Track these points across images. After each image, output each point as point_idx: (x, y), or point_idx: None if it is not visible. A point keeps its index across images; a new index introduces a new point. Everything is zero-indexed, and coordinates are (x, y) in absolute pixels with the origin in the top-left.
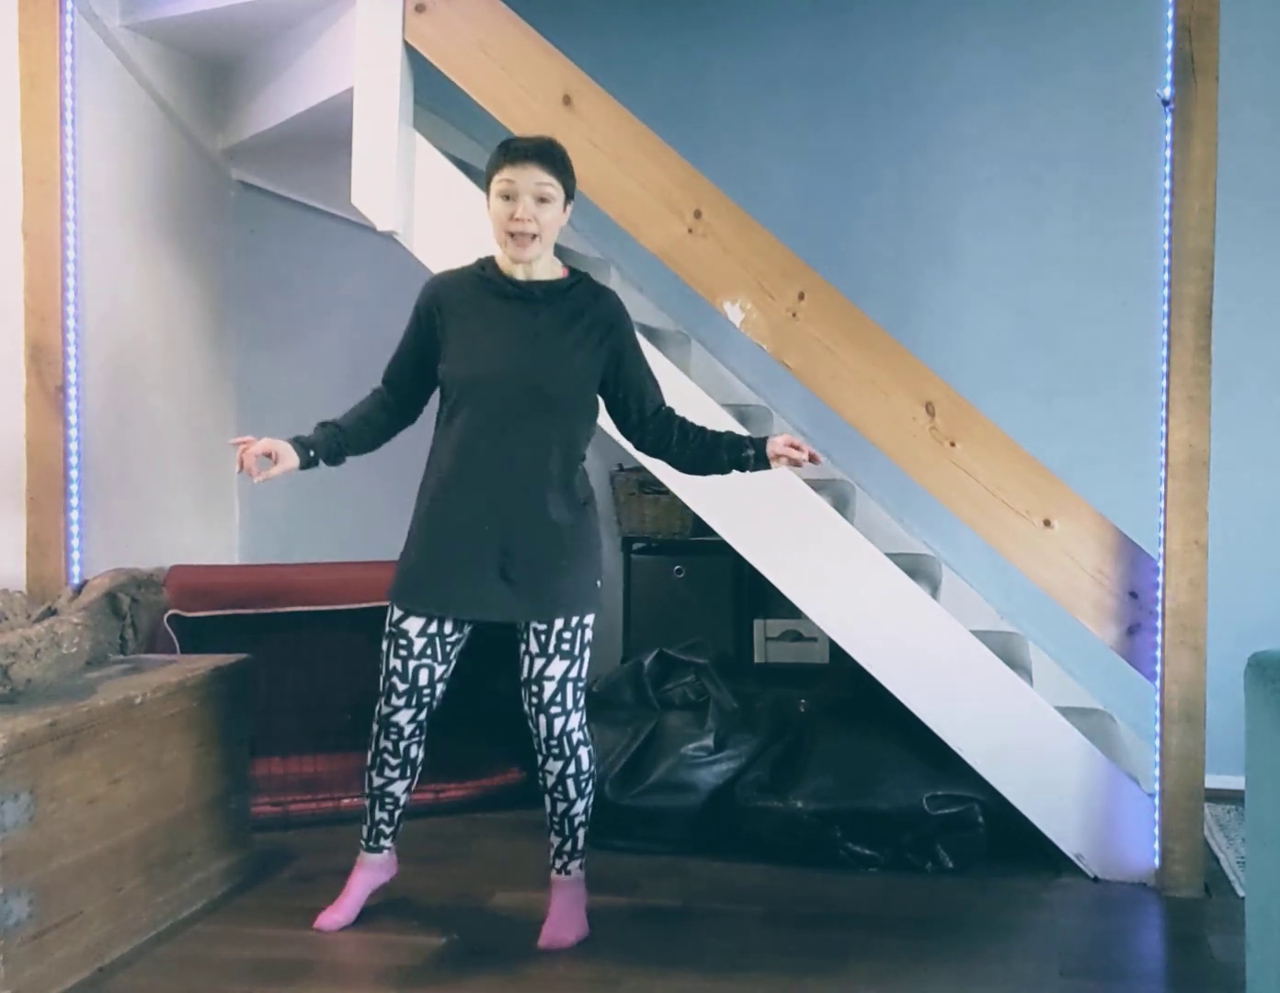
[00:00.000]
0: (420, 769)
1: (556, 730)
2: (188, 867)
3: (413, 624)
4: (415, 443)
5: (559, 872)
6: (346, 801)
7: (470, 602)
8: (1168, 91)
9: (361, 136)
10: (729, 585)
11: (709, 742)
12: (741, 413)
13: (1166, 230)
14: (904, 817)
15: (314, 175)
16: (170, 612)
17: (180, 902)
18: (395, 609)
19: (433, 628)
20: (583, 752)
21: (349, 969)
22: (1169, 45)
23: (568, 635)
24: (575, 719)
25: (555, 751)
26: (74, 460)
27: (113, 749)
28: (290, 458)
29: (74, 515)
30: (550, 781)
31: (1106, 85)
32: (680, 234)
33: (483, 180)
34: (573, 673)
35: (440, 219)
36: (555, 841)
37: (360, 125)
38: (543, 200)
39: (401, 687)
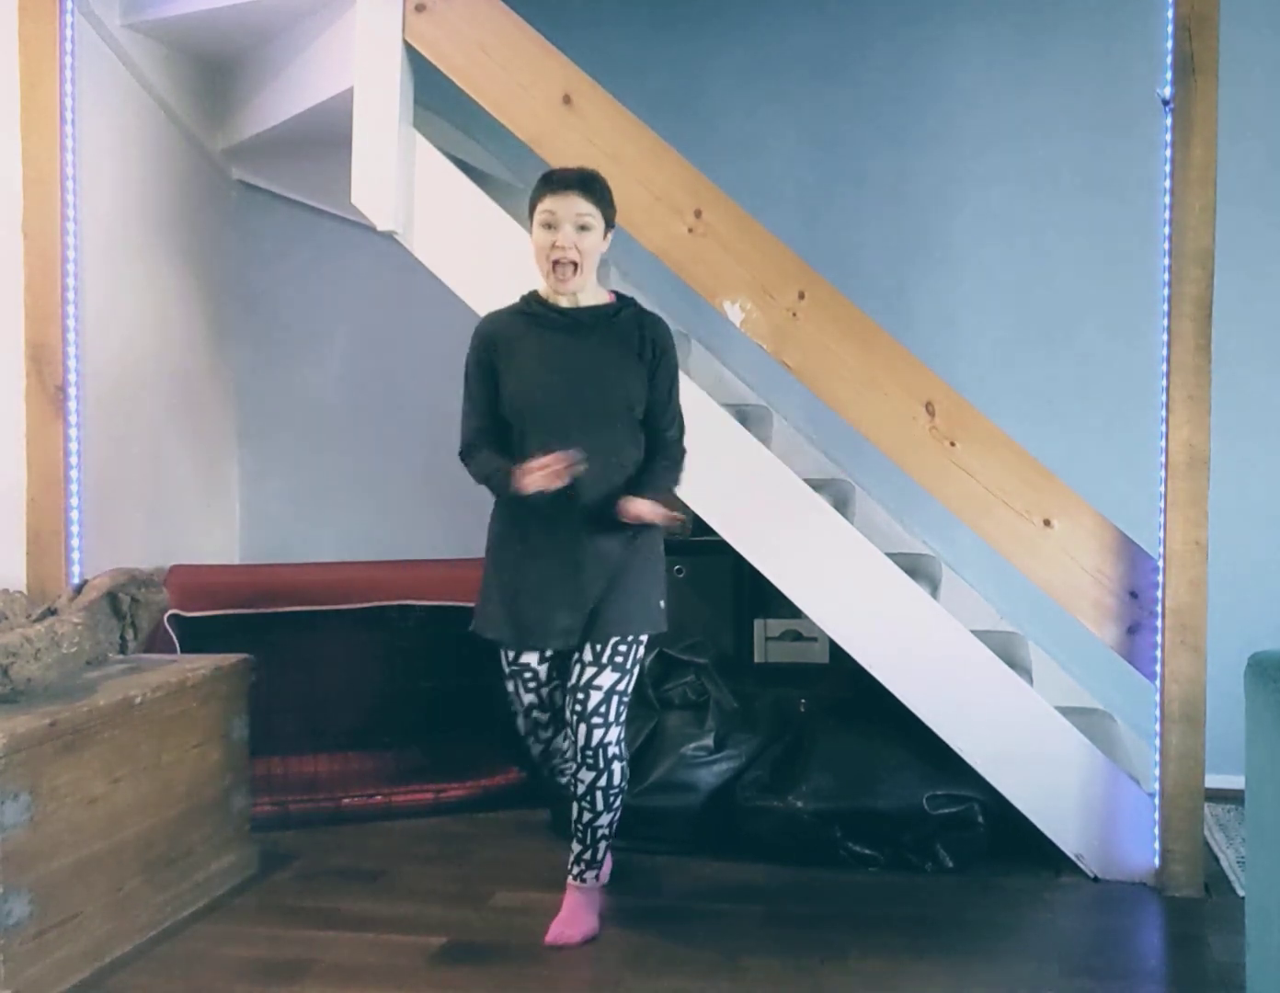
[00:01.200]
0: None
1: (594, 742)
2: (188, 866)
3: (531, 656)
4: (415, 444)
5: (576, 878)
6: (347, 800)
7: (553, 631)
8: (1168, 91)
9: (361, 136)
10: (729, 585)
11: (709, 742)
12: (741, 413)
13: (1166, 230)
14: (904, 816)
15: (314, 175)
16: (170, 611)
17: (180, 901)
18: (507, 650)
19: (550, 652)
20: (616, 767)
21: (349, 969)
22: (1169, 45)
23: (622, 649)
24: (614, 733)
25: (590, 761)
26: (74, 460)
27: (113, 749)
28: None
29: (74, 515)
30: (580, 789)
31: (1107, 85)
32: (680, 233)
33: (483, 180)
34: (620, 687)
35: (440, 219)
36: (576, 847)
37: (360, 125)
38: (583, 228)
39: (545, 717)
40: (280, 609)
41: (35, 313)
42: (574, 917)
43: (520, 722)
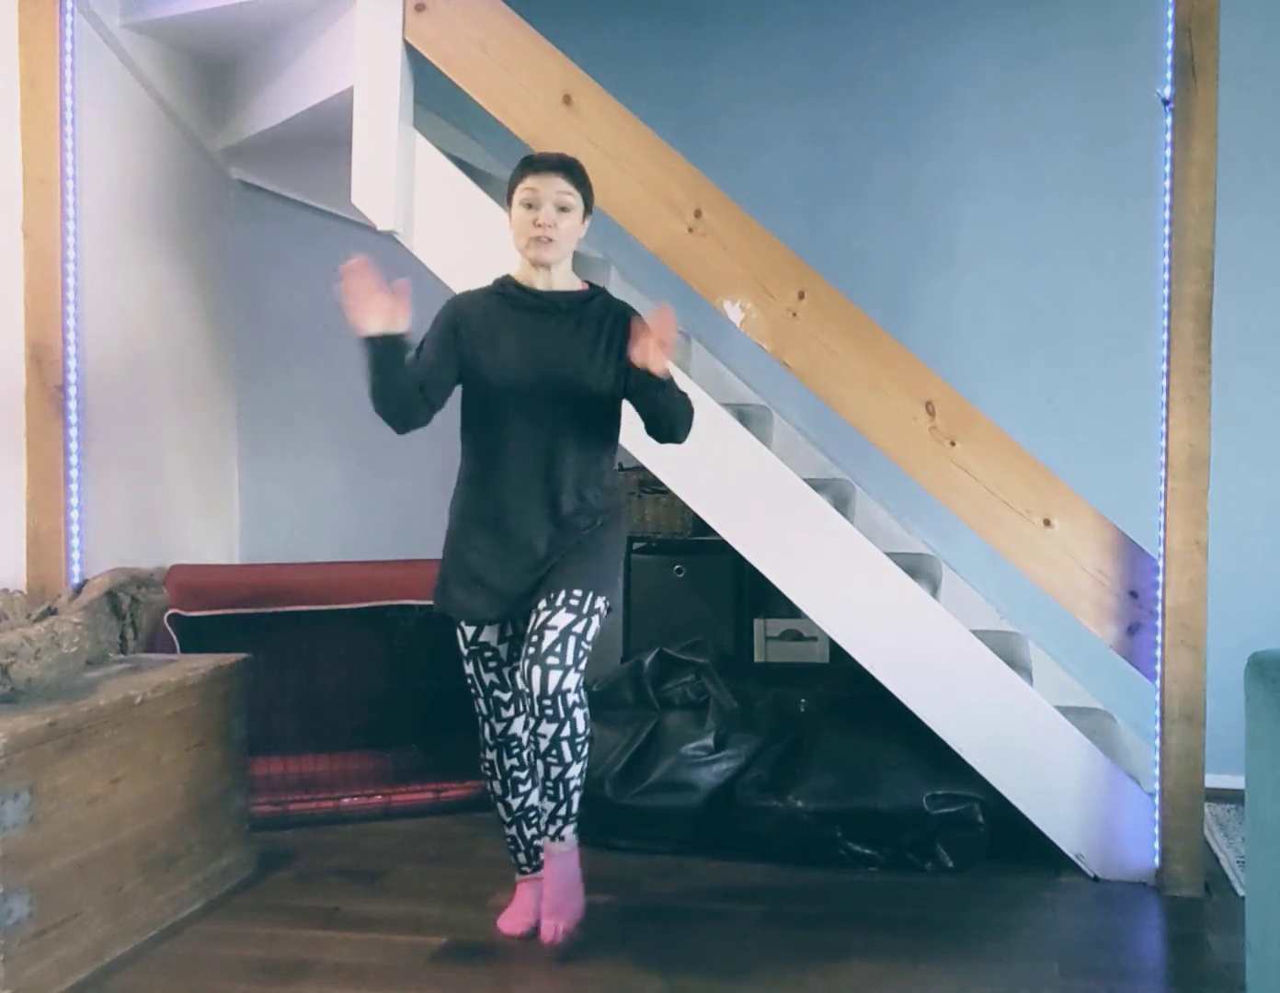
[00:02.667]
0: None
1: (551, 687)
2: (187, 866)
3: (489, 634)
4: (415, 444)
5: (553, 838)
6: (346, 800)
7: (505, 602)
8: (1168, 91)
9: (361, 136)
10: (729, 585)
11: (709, 741)
12: (741, 412)
13: (1166, 229)
14: (904, 816)
15: (314, 175)
16: (170, 611)
17: (180, 901)
18: (465, 628)
19: (509, 630)
20: (578, 714)
21: (349, 969)
22: (1169, 45)
23: (578, 592)
24: (572, 679)
25: (549, 712)
26: (74, 460)
27: (113, 749)
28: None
29: (74, 515)
30: (544, 745)
31: (1106, 84)
32: (680, 233)
33: (483, 180)
34: (577, 629)
35: (440, 219)
36: (548, 806)
37: (360, 125)
38: (563, 209)
39: (506, 696)
40: (280, 609)
41: (35, 313)
42: (562, 896)
43: (480, 704)
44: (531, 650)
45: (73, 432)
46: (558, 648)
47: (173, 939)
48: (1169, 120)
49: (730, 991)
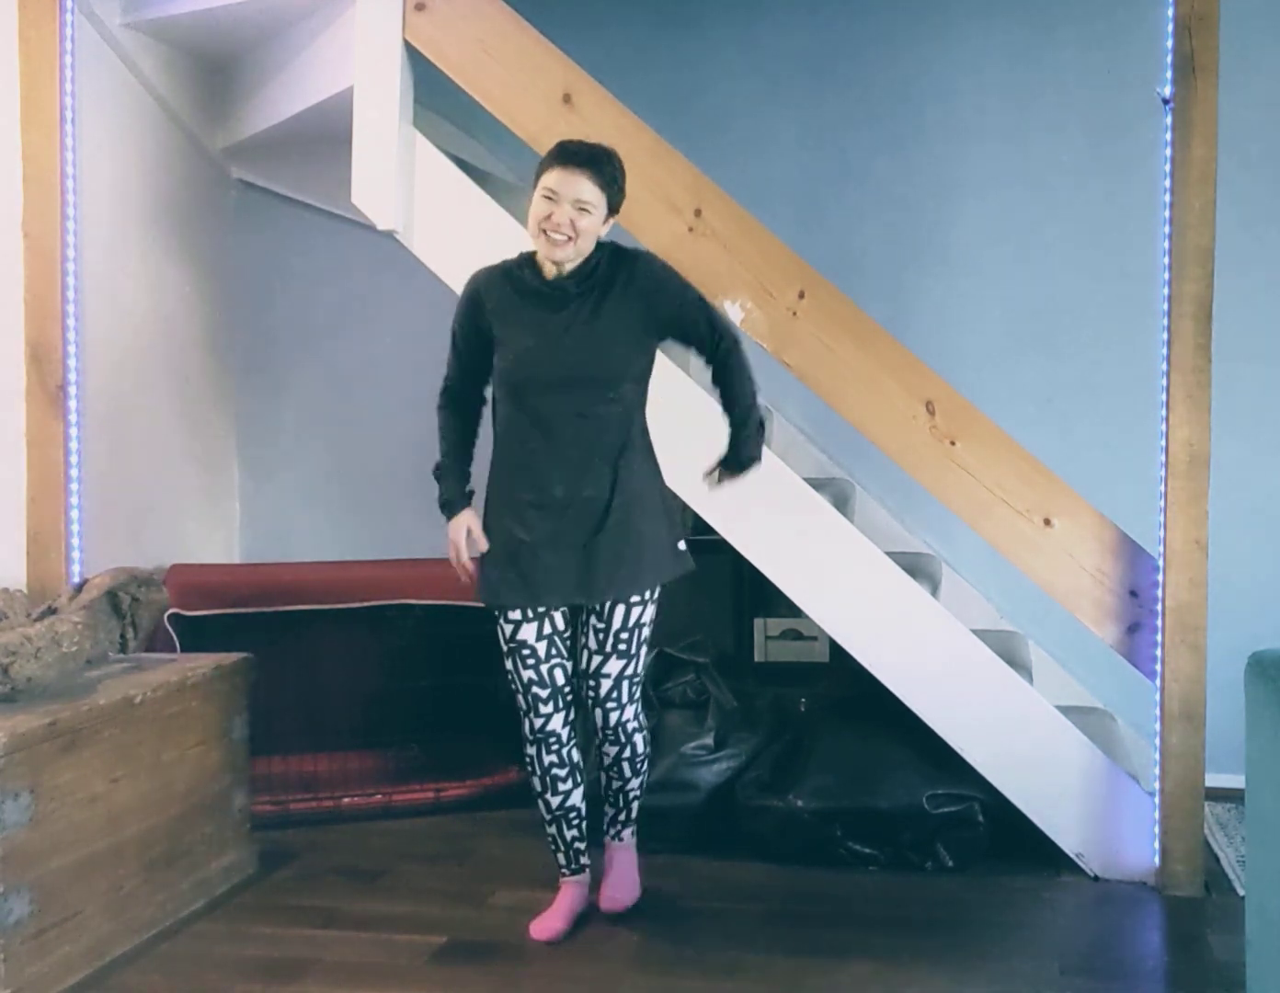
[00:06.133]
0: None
1: (613, 723)
2: (188, 865)
3: (528, 631)
4: (416, 442)
5: (614, 838)
6: (347, 799)
7: (543, 591)
8: (1168, 90)
9: (361, 135)
10: (729, 585)
11: (709, 740)
12: None
13: (1166, 229)
14: (904, 816)
15: (314, 174)
16: (171, 611)
17: (180, 900)
18: (505, 624)
19: (547, 628)
20: (638, 738)
21: (349, 969)
22: (1169, 44)
23: (624, 636)
24: (630, 711)
25: (611, 738)
26: (74, 460)
27: (113, 748)
28: (478, 526)
29: (74, 515)
30: (607, 761)
31: (1106, 84)
32: (681, 233)
33: (483, 180)
34: (629, 672)
35: (440, 218)
36: (609, 811)
37: (360, 124)
38: (583, 210)
39: (544, 693)
40: (280, 609)
41: (35, 312)
42: (621, 881)
43: (520, 700)
44: (592, 694)
45: (73, 431)
46: (615, 693)
47: (173, 939)
48: (1169, 119)
49: (730, 991)
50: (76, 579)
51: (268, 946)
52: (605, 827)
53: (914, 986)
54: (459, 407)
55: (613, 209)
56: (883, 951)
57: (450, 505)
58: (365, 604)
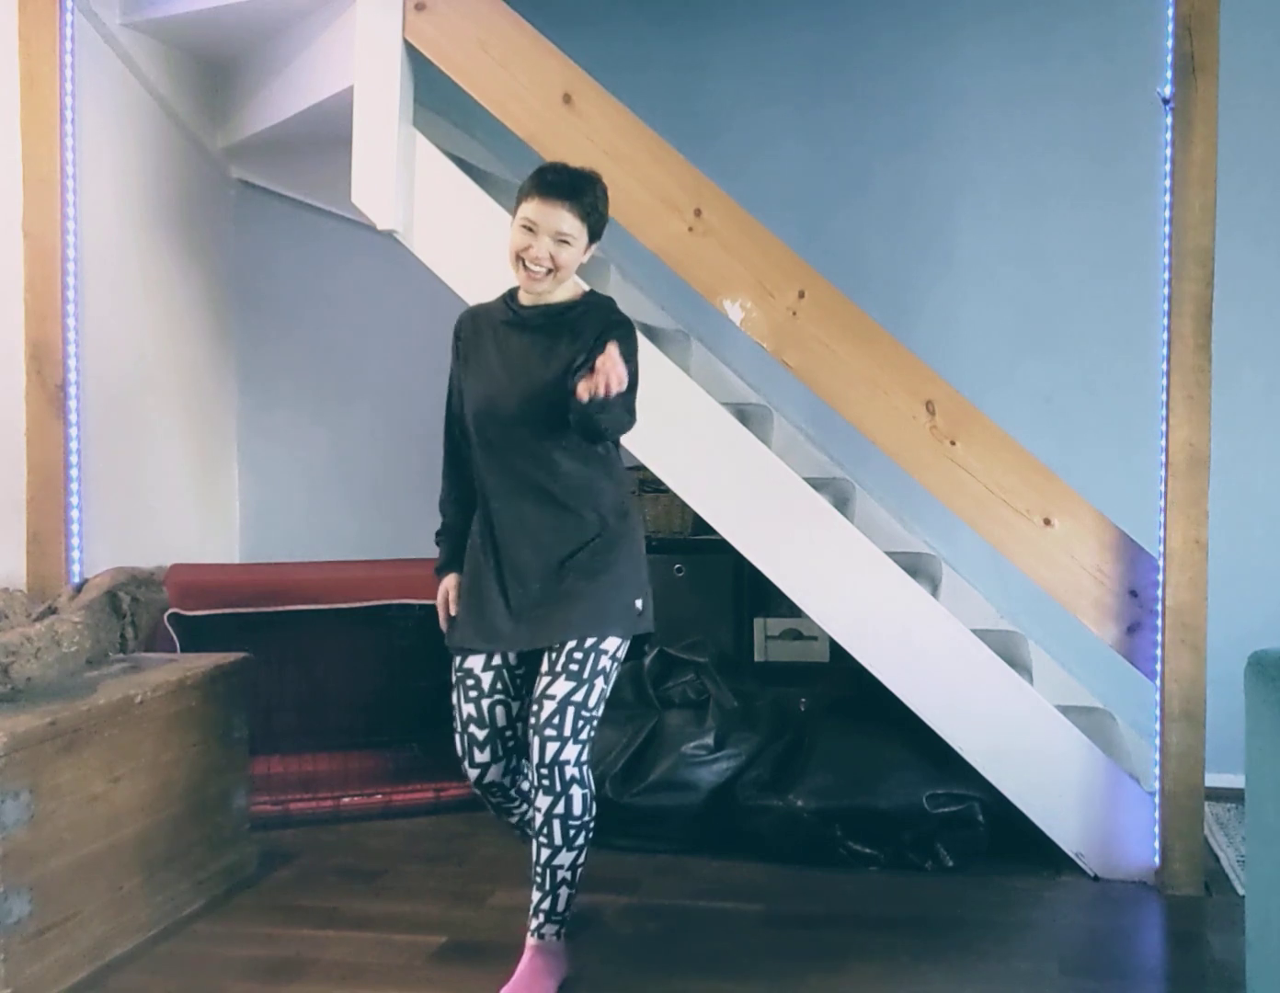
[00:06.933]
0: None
1: (548, 757)
2: (187, 865)
3: (475, 661)
4: (416, 442)
5: (532, 933)
6: (346, 799)
7: (492, 634)
8: (1168, 90)
9: (361, 135)
10: (729, 584)
11: (709, 740)
12: (741, 412)
13: (1166, 229)
14: (904, 815)
15: (314, 174)
16: (170, 610)
17: (180, 900)
18: (455, 655)
19: (496, 660)
20: (576, 793)
21: (348, 968)
22: (1169, 44)
23: (578, 656)
24: (571, 751)
25: (545, 782)
26: (74, 460)
27: (113, 748)
28: (455, 593)
29: (74, 514)
30: (538, 820)
31: (1106, 83)
32: (680, 232)
33: (483, 179)
34: (576, 697)
35: (440, 218)
36: (535, 895)
37: (360, 124)
38: (562, 242)
39: (481, 734)
40: (280, 609)
41: (35, 313)
42: (528, 983)
43: (457, 741)
44: (533, 719)
45: (73, 431)
46: (555, 719)
47: (173, 939)
48: (1169, 120)
49: (730, 991)
50: (76, 579)
51: (267, 946)
52: (529, 916)
53: (914, 986)
54: (454, 459)
55: (594, 236)
56: (882, 951)
57: (439, 570)
58: (365, 604)
